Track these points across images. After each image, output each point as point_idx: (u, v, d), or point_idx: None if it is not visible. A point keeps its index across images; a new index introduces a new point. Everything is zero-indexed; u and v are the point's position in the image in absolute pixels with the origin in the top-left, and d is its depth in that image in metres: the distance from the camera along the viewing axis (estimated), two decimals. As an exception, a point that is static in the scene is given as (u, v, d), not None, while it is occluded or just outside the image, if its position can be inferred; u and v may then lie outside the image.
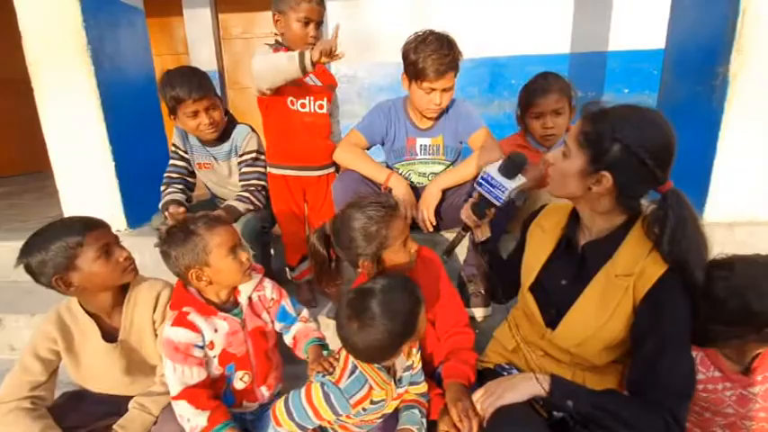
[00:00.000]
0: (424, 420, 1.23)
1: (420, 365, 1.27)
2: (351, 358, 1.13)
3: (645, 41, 3.65)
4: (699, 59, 1.98)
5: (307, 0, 1.65)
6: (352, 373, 1.12)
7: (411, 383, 1.26)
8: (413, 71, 1.66)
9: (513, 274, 1.29)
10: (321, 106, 1.84)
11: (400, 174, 1.90)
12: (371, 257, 1.21)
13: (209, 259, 1.21)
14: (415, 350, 1.24)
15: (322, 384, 1.14)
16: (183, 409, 1.20)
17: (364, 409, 1.15)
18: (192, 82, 1.69)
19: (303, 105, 1.80)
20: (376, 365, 1.12)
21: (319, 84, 1.85)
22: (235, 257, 1.25)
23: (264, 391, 1.37)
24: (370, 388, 1.12)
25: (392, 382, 1.16)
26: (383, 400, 1.16)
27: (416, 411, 1.24)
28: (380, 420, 1.24)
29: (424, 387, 1.29)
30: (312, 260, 1.30)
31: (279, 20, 1.73)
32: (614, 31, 3.83)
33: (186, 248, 1.20)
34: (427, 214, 1.72)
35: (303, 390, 1.16)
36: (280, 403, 1.16)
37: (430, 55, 1.59)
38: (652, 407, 0.95)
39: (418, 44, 1.63)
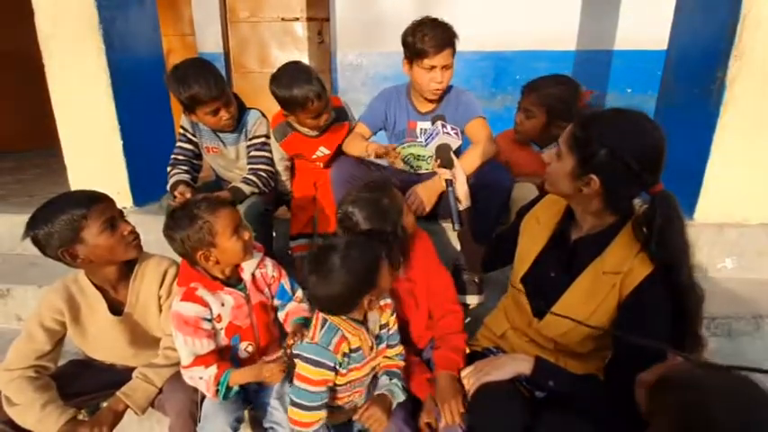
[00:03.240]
0: (403, 392, 1.31)
1: (396, 327, 1.34)
2: (321, 317, 1.22)
3: (651, 42, 3.64)
4: (699, 63, 2.01)
5: (310, 102, 1.72)
6: (324, 326, 1.21)
7: (389, 345, 1.34)
8: (412, 52, 1.74)
9: (503, 249, 1.36)
10: (330, 147, 1.97)
11: (400, 157, 1.96)
12: (397, 229, 1.30)
13: (216, 241, 1.25)
14: (389, 311, 1.31)
15: (302, 353, 1.20)
16: (195, 372, 1.26)
17: (348, 357, 1.21)
18: (208, 80, 1.69)
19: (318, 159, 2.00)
20: (343, 316, 1.20)
21: (327, 152, 1.97)
22: (239, 237, 1.28)
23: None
24: (343, 336, 1.19)
25: (363, 330, 1.23)
26: (360, 349, 1.23)
27: (397, 384, 1.31)
28: (368, 379, 1.30)
29: (400, 348, 1.36)
30: None
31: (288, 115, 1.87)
32: (621, 30, 3.83)
33: (192, 231, 1.23)
34: (424, 204, 1.76)
35: (294, 378, 1.21)
36: (291, 411, 1.21)
37: (427, 33, 1.68)
38: (628, 394, 1.00)
39: (415, 27, 1.73)
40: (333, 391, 1.25)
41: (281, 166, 2.01)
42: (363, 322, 1.24)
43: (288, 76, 1.72)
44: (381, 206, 1.29)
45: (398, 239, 1.32)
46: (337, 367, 1.20)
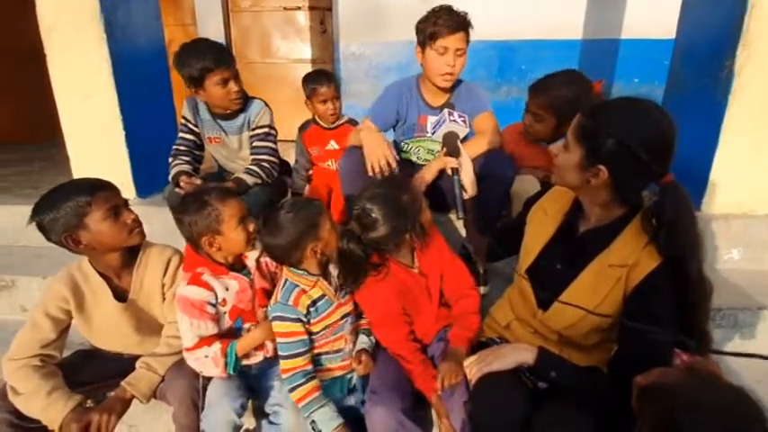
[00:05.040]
0: (372, 338, 1.48)
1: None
2: (283, 278, 1.35)
3: (658, 30, 3.59)
4: (707, 52, 1.98)
5: (320, 86, 2.08)
6: (284, 285, 1.33)
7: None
8: (426, 35, 1.72)
9: (509, 240, 1.36)
10: (340, 142, 2.16)
11: (409, 149, 1.97)
12: (416, 225, 1.30)
13: (222, 228, 1.30)
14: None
15: (270, 314, 1.33)
16: (200, 352, 1.30)
17: (314, 308, 1.33)
18: (219, 51, 1.76)
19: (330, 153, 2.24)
20: (296, 270, 1.33)
21: (337, 147, 2.18)
22: (244, 228, 1.33)
23: (269, 343, 1.44)
24: (301, 290, 1.31)
25: (321, 279, 1.35)
26: (324, 296, 1.34)
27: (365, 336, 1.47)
28: (345, 324, 1.41)
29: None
30: (346, 263, 1.34)
31: (307, 103, 2.20)
32: (628, 18, 3.77)
33: (200, 217, 1.29)
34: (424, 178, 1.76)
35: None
36: (280, 365, 1.32)
37: (442, 16, 1.68)
38: (630, 389, 0.98)
39: (430, 13, 1.73)
40: (311, 340, 1.35)
41: (303, 169, 2.33)
42: (321, 274, 1.35)
43: (311, 73, 2.23)
44: (401, 203, 1.28)
45: (416, 236, 1.33)
46: (302, 318, 1.31)
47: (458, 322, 1.42)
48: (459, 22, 1.69)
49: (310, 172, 2.36)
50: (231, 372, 1.31)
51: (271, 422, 1.35)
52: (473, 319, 1.42)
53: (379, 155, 1.66)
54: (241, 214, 1.33)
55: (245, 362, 1.39)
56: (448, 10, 1.70)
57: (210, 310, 1.33)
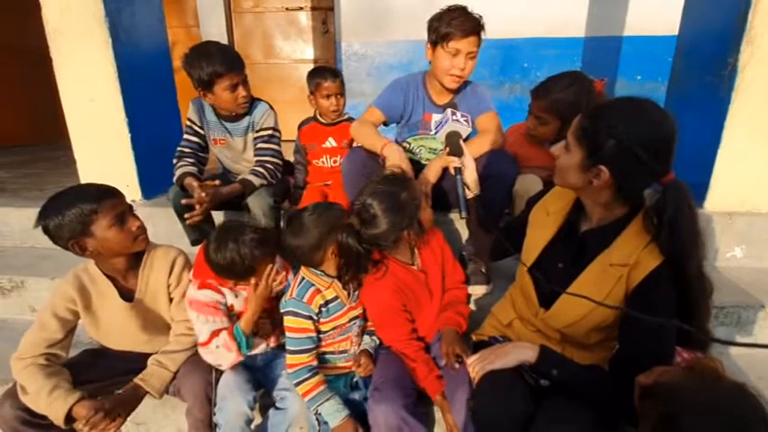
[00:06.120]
0: (376, 338, 1.52)
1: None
2: (300, 276, 1.40)
3: (661, 27, 3.58)
4: (710, 49, 1.98)
5: (324, 80, 2.09)
6: (300, 283, 1.38)
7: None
8: (438, 35, 1.71)
9: (512, 239, 1.36)
10: (336, 161, 2.17)
11: (411, 148, 1.96)
12: (414, 222, 1.34)
13: (253, 278, 1.37)
14: None
15: (284, 308, 1.37)
16: (212, 344, 1.36)
17: (326, 308, 1.38)
18: (229, 55, 1.78)
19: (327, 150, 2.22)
20: (315, 271, 1.38)
21: (335, 144, 2.19)
22: (268, 275, 1.40)
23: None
24: (316, 289, 1.36)
25: (336, 281, 1.39)
26: (338, 298, 1.39)
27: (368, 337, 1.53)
28: (352, 327, 1.45)
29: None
30: (343, 258, 1.35)
31: (311, 98, 2.21)
32: (630, 15, 3.76)
33: (237, 260, 1.31)
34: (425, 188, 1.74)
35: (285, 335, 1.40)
36: (287, 359, 1.37)
37: (456, 18, 1.67)
38: (630, 386, 0.99)
39: (444, 12, 1.71)
40: (319, 338, 1.40)
41: (300, 165, 2.31)
42: (337, 276, 1.39)
43: (317, 67, 2.24)
44: (400, 200, 1.30)
45: (414, 234, 1.36)
46: (314, 317, 1.36)
47: (450, 307, 1.48)
48: (474, 26, 1.68)
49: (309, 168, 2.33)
50: (245, 351, 1.36)
51: (277, 408, 1.39)
52: (464, 308, 1.52)
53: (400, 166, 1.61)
54: (272, 267, 1.38)
55: (250, 353, 1.42)
56: (463, 11, 1.69)
57: (223, 307, 1.40)
